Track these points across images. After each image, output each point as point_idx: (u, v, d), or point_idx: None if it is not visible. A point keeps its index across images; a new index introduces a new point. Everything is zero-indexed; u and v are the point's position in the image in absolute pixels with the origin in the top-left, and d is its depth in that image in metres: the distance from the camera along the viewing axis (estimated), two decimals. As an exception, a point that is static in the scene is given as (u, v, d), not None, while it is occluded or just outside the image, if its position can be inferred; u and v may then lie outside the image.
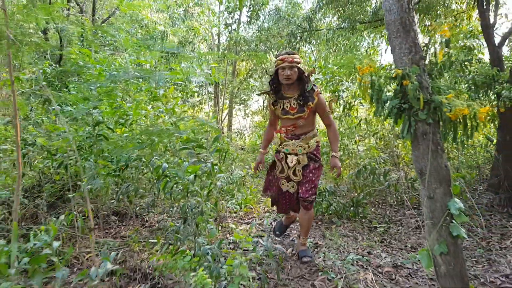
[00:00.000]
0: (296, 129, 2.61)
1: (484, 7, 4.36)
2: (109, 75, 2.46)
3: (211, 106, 11.23)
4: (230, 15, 10.22)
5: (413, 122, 1.85)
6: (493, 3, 4.74)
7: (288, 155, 2.62)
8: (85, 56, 4.11)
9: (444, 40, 1.91)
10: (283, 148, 2.64)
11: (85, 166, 2.82)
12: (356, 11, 7.42)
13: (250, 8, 9.98)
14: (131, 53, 5.25)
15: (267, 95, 2.71)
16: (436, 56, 1.98)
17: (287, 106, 2.57)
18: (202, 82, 9.12)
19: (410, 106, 1.83)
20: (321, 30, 7.73)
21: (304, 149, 2.58)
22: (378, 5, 7.42)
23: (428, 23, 6.96)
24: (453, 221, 1.82)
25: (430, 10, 6.78)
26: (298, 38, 8.19)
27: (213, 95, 11.91)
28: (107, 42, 7.67)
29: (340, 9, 7.46)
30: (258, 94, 3.25)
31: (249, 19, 10.07)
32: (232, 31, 9.99)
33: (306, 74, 2.57)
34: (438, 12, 7.14)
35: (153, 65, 5.57)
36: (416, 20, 1.92)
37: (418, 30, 1.95)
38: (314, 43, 8.16)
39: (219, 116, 10.29)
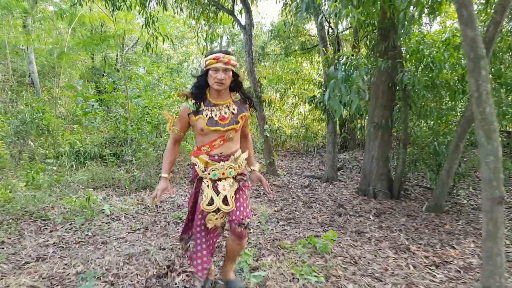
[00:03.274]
0: (225, 143, 2.02)
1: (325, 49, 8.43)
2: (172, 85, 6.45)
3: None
4: (213, 41, 14.28)
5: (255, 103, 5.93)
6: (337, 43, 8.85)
7: (218, 181, 2.01)
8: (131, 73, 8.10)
9: (266, 76, 5.96)
10: (209, 173, 2.00)
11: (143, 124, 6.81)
12: (291, 43, 11.51)
13: (228, 37, 14.04)
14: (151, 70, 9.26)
15: (188, 100, 2.02)
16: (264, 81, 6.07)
17: (215, 115, 1.98)
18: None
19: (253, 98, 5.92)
20: (270, 55, 11.79)
21: (235, 170, 2.05)
22: (304, 40, 11.53)
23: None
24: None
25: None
26: (256, 59, 12.24)
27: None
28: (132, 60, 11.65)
29: (280, 42, 11.55)
30: (178, 95, 2.28)
31: (227, 44, 14.14)
32: (215, 53, 14.05)
33: (241, 79, 2.08)
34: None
35: (164, 78, 9.55)
36: (255, 68, 5.96)
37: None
38: (267, 64, 12.23)
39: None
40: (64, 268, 2.75)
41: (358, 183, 5.42)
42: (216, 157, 2.03)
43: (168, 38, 6.49)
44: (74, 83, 12.31)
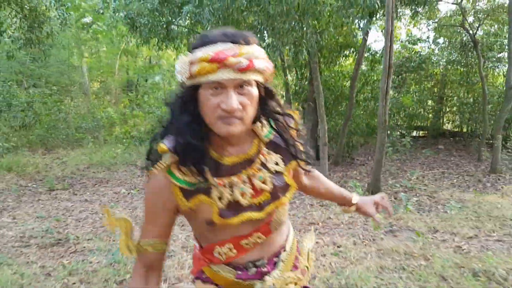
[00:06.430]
0: (269, 236, 0.86)
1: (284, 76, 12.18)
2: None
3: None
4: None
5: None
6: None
7: None
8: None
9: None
10: None
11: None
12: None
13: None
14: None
15: (171, 168, 0.76)
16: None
17: (241, 190, 0.79)
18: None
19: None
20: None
21: (298, 280, 0.93)
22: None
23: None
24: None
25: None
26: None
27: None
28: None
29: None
30: (142, 168, 0.78)
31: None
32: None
33: (275, 97, 0.82)
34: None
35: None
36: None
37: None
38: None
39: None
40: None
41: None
42: (253, 270, 0.86)
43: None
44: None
